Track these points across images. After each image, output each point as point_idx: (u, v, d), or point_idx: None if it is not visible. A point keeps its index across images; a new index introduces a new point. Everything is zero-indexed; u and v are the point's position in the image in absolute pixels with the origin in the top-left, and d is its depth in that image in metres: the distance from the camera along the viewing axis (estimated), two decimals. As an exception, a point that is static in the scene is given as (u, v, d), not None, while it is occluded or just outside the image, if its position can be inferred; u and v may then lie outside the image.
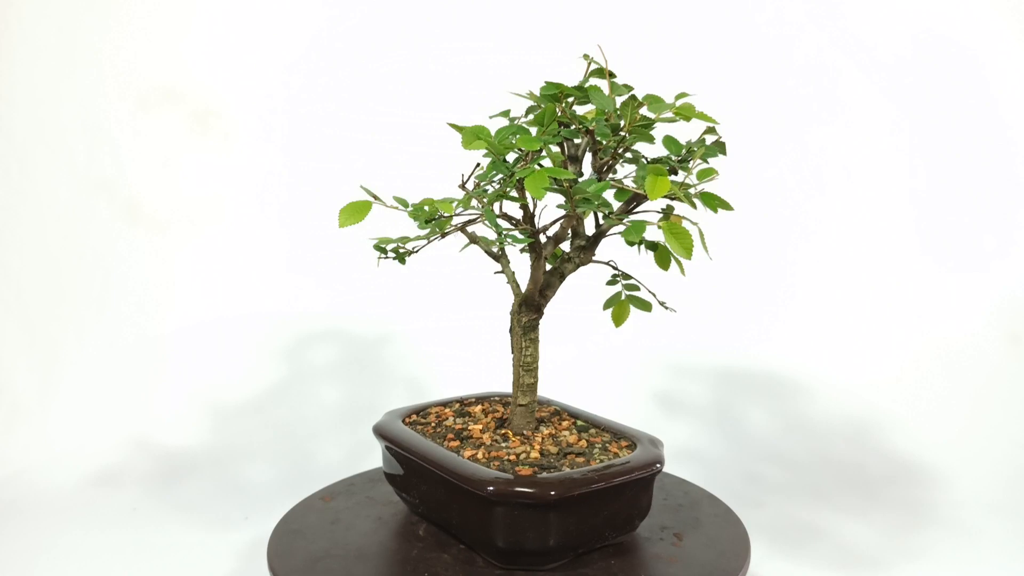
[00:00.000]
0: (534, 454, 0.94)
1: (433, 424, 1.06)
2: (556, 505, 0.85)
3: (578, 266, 0.96)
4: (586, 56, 0.91)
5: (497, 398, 1.15)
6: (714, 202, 0.86)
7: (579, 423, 1.04)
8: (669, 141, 0.89)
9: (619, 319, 0.99)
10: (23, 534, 1.29)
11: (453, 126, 0.85)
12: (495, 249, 0.97)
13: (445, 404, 1.12)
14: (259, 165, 1.85)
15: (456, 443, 0.98)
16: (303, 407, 1.68)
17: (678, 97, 0.87)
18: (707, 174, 0.86)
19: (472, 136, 0.82)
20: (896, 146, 1.84)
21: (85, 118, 1.79)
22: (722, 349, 1.78)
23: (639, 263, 1.00)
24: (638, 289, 1.00)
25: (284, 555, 0.96)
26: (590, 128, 0.85)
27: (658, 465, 0.93)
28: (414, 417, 1.08)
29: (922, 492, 1.38)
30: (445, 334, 1.79)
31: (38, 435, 1.59)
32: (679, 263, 0.93)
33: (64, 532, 1.29)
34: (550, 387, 1.29)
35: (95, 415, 1.64)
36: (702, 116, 0.85)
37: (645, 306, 0.99)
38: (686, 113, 0.85)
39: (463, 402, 1.13)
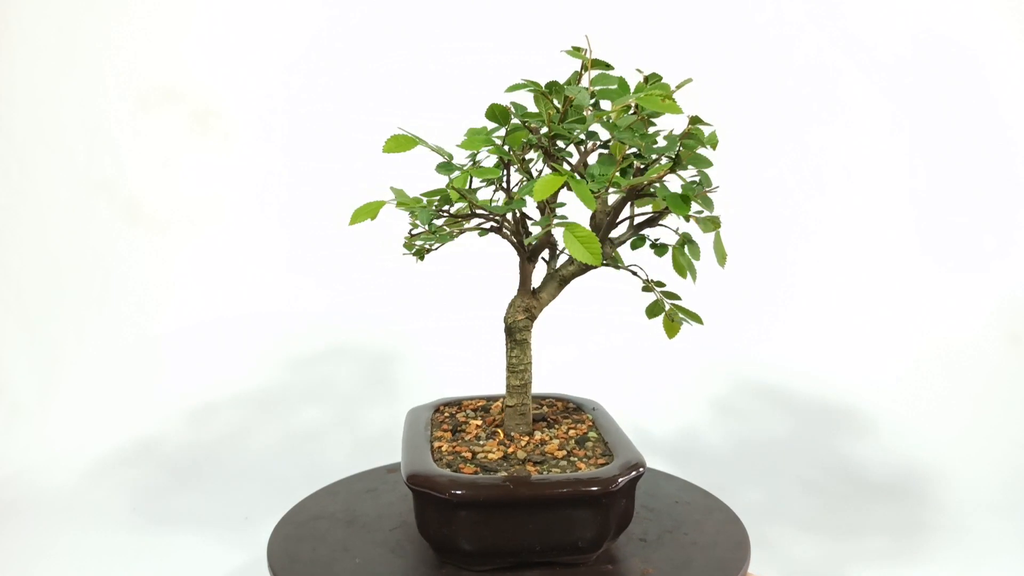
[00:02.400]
0: (495, 455, 0.93)
1: (450, 415, 1.07)
2: (459, 506, 0.85)
3: (581, 270, 0.95)
4: (576, 50, 0.89)
5: (541, 399, 1.14)
6: (680, 205, 0.82)
7: (591, 434, 0.99)
8: (625, 128, 0.83)
9: (671, 332, 0.96)
10: (23, 534, 1.29)
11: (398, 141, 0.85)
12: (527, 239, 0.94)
13: (486, 398, 1.12)
14: (259, 165, 1.85)
15: (448, 434, 0.99)
16: (303, 407, 1.68)
17: (651, 80, 0.82)
18: (661, 170, 0.82)
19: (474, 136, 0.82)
20: (896, 146, 1.84)
21: (85, 118, 1.79)
22: (722, 349, 1.78)
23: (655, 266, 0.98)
24: (679, 298, 0.97)
25: (284, 555, 0.96)
26: (530, 128, 0.83)
27: (595, 488, 0.85)
28: (443, 408, 1.10)
29: (922, 492, 1.38)
30: (445, 334, 1.79)
31: (38, 435, 1.59)
32: (692, 270, 0.92)
33: (64, 532, 1.29)
34: (566, 385, 1.29)
35: (95, 415, 1.64)
36: (669, 107, 0.77)
37: (695, 318, 0.95)
38: (647, 104, 0.78)
39: (495, 399, 1.13)
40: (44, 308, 1.76)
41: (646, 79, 0.87)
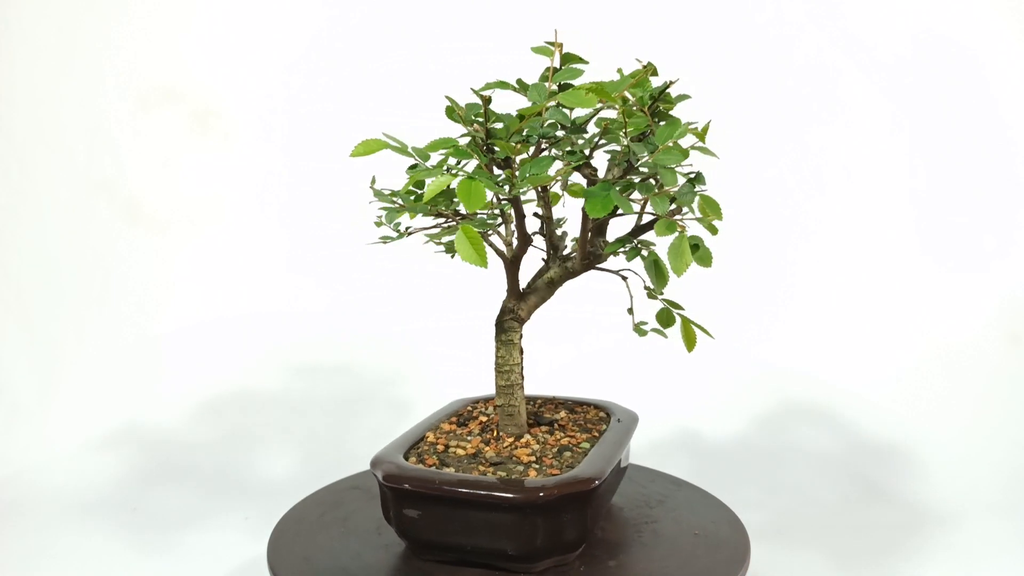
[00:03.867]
0: (464, 451, 0.95)
1: (470, 411, 1.09)
2: (390, 493, 0.88)
3: (569, 273, 0.95)
4: (547, 47, 0.88)
5: (561, 401, 1.14)
6: (663, 228, 0.79)
7: (584, 444, 0.97)
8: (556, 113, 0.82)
9: (690, 343, 0.94)
10: (23, 534, 1.29)
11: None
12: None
13: (528, 398, 1.13)
14: (259, 165, 1.85)
15: (453, 426, 1.03)
16: (303, 407, 1.68)
17: (648, 70, 0.81)
18: (567, 172, 0.80)
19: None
20: (896, 146, 1.84)
21: (85, 118, 1.79)
22: (722, 349, 1.78)
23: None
24: (682, 308, 0.96)
25: (284, 555, 0.96)
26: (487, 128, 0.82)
27: (517, 497, 0.82)
28: (483, 401, 1.13)
29: (922, 492, 1.38)
30: (445, 334, 1.79)
31: (38, 435, 1.59)
32: (664, 272, 0.90)
33: (64, 532, 1.29)
34: (550, 385, 1.29)
35: (95, 415, 1.63)
36: (586, 101, 0.75)
37: (705, 331, 0.94)
38: (569, 101, 0.75)
39: (534, 399, 1.14)
40: (44, 308, 1.76)
41: (644, 68, 0.86)
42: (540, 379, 1.38)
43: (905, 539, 1.24)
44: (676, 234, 0.78)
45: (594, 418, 1.07)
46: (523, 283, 0.99)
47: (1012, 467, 1.45)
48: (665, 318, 0.96)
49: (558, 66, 0.86)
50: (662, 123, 0.84)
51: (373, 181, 0.92)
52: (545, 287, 0.97)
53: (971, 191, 1.81)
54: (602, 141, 0.86)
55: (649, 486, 1.14)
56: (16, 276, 1.76)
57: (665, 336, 0.98)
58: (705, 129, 0.85)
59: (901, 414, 1.62)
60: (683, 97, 0.87)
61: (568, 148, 0.85)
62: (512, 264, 0.96)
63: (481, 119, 0.82)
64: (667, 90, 0.84)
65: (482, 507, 0.84)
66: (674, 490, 1.14)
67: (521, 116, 0.81)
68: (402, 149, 0.82)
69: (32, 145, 1.78)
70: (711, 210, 0.83)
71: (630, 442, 1.04)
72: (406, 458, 0.93)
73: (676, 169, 0.80)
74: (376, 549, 0.97)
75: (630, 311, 1.01)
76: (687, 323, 0.95)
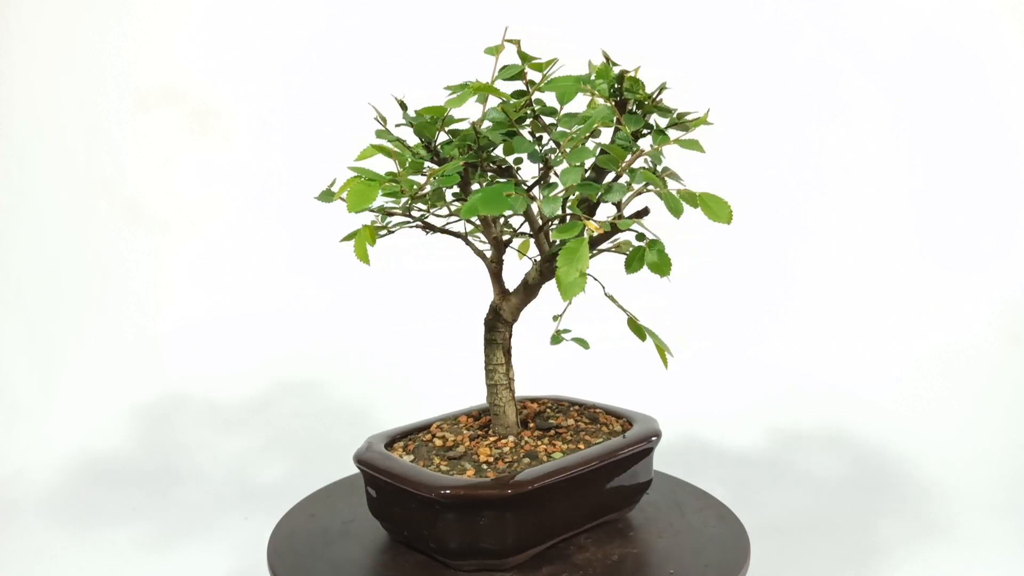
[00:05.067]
0: (439, 443, 0.98)
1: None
2: (369, 481, 0.94)
3: (542, 275, 0.95)
4: (494, 49, 0.89)
5: (576, 406, 1.13)
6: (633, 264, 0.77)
7: (556, 455, 0.95)
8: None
9: (664, 361, 0.91)
10: (23, 534, 1.29)
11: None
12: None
13: (535, 400, 1.14)
14: (259, 165, 1.85)
15: (469, 420, 1.06)
16: (303, 407, 1.68)
17: (606, 70, 0.80)
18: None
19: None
20: (896, 146, 1.84)
21: (85, 118, 1.79)
22: (721, 349, 1.78)
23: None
24: (637, 320, 0.94)
25: (284, 555, 0.96)
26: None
27: (419, 493, 0.85)
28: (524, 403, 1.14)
29: (922, 492, 1.38)
30: (446, 334, 1.79)
31: (38, 435, 1.59)
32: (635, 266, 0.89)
33: (64, 532, 1.29)
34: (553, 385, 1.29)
35: (95, 415, 1.64)
36: (450, 104, 0.78)
37: (661, 352, 0.92)
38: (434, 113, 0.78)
39: (538, 401, 1.14)
40: (44, 308, 1.76)
41: (607, 61, 0.85)
42: (547, 382, 1.38)
43: (905, 539, 1.24)
44: (577, 236, 0.73)
45: (597, 430, 1.03)
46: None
47: (1012, 467, 1.45)
48: (636, 329, 0.93)
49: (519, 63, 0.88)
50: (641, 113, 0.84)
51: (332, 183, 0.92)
52: (523, 289, 0.97)
53: (971, 191, 1.81)
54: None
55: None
56: (16, 276, 1.76)
57: (587, 347, 1.03)
58: (698, 121, 0.83)
59: (901, 414, 1.62)
60: (665, 90, 0.85)
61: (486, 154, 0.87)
62: (494, 265, 0.96)
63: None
64: (626, 77, 0.81)
65: (401, 496, 0.90)
66: (673, 490, 1.14)
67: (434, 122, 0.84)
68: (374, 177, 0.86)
69: (32, 145, 1.78)
70: (672, 209, 0.77)
71: (650, 459, 1.01)
72: (401, 442, 1.00)
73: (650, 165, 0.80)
74: (376, 550, 0.97)
75: (556, 318, 1.04)
76: (656, 339, 0.91)
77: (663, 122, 0.86)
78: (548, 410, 1.10)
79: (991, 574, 1.15)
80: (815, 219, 1.84)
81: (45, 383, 1.69)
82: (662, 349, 0.91)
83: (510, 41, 0.87)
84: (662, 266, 0.77)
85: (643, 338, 0.93)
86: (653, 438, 1.00)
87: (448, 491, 0.85)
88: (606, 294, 0.99)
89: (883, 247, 1.82)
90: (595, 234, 0.82)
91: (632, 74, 0.82)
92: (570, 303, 0.83)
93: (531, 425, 1.04)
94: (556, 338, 1.04)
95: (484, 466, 0.92)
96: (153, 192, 1.82)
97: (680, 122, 0.84)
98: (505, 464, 0.92)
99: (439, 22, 1.84)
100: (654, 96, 0.84)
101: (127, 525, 1.31)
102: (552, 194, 0.80)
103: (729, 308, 1.81)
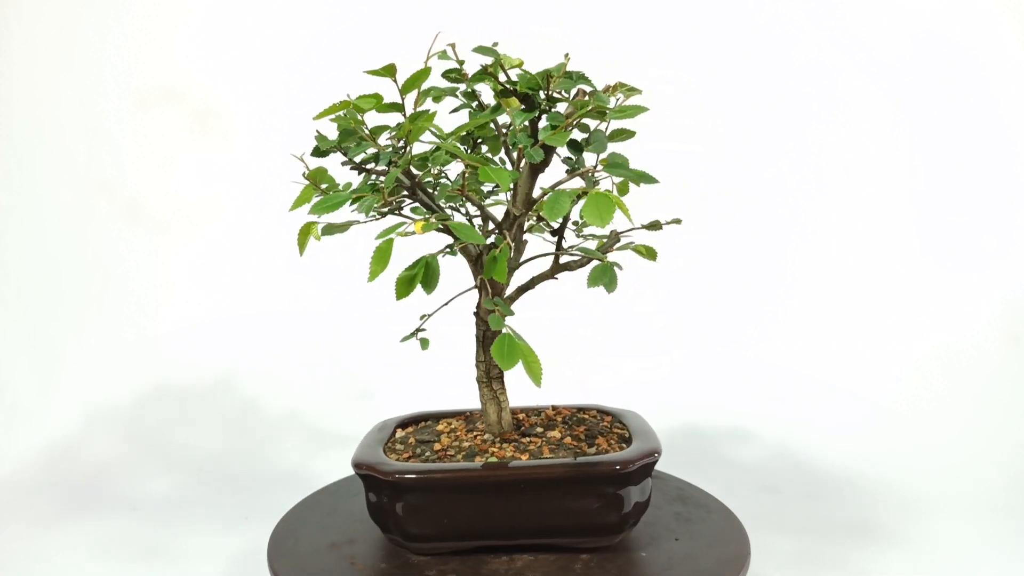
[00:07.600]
0: (435, 443, 1.01)
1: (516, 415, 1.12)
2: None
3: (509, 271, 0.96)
4: (443, 53, 0.91)
5: (590, 410, 1.14)
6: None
7: (516, 454, 0.96)
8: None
9: (535, 376, 0.82)
10: (23, 534, 1.29)
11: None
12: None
13: (580, 409, 1.15)
14: (259, 165, 1.85)
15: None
16: (303, 407, 1.68)
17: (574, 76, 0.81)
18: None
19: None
20: (896, 146, 1.84)
21: (85, 118, 1.79)
22: (721, 349, 1.78)
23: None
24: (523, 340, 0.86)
25: (284, 555, 0.96)
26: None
27: (360, 467, 0.93)
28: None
29: (922, 492, 1.38)
30: (446, 334, 1.79)
31: (38, 435, 1.59)
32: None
33: (63, 532, 1.29)
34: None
35: (95, 415, 1.64)
36: (371, 102, 0.79)
37: (534, 377, 0.84)
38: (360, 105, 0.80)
39: (555, 408, 1.15)
40: (44, 308, 1.76)
41: (565, 71, 0.86)
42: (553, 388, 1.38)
43: (906, 539, 1.24)
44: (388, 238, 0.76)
45: (575, 444, 0.99)
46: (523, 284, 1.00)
47: (1013, 467, 1.45)
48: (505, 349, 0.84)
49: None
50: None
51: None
52: (481, 286, 0.98)
53: (971, 191, 1.81)
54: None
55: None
56: (16, 276, 1.76)
57: (426, 347, 1.09)
58: (639, 110, 0.84)
59: (901, 414, 1.62)
60: (622, 86, 0.86)
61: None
62: (476, 261, 0.96)
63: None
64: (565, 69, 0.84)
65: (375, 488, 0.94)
66: (673, 490, 1.14)
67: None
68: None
69: (32, 145, 1.78)
70: (600, 213, 0.76)
71: (647, 482, 0.95)
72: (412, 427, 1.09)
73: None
74: (376, 549, 0.97)
75: (423, 317, 1.08)
76: (528, 355, 0.82)
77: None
78: (560, 419, 1.09)
79: (991, 574, 1.15)
80: (815, 219, 1.84)
81: (45, 383, 1.69)
82: (534, 367, 0.83)
83: (451, 45, 0.90)
84: (611, 283, 0.86)
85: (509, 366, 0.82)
86: (617, 466, 0.89)
87: (362, 468, 0.93)
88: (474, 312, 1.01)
89: (883, 247, 1.82)
90: (419, 233, 0.82)
91: (490, 67, 0.84)
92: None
93: (522, 429, 1.04)
94: (424, 343, 1.08)
95: (433, 457, 0.97)
96: (153, 192, 1.82)
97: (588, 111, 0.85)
98: (447, 456, 0.97)
99: (439, 22, 1.84)
100: (550, 86, 0.84)
101: (127, 525, 1.31)
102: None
103: (729, 308, 1.81)
